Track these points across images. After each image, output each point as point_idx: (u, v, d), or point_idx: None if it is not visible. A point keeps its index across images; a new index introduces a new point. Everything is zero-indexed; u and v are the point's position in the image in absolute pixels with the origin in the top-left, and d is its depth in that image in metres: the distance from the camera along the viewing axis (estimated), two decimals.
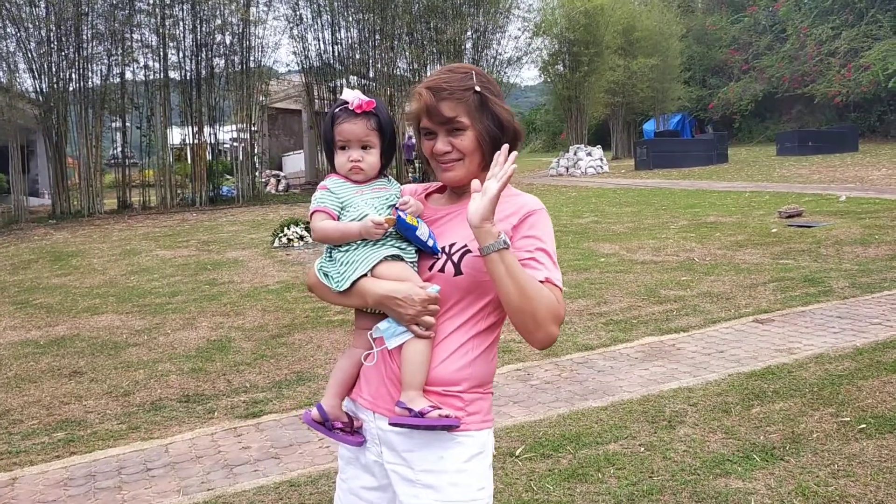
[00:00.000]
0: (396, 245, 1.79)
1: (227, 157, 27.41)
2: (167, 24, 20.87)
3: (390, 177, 1.94)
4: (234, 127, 23.27)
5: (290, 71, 25.15)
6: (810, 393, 4.37)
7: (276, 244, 12.06)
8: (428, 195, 2.03)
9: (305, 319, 7.00)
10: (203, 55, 21.38)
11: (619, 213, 13.91)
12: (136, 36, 20.92)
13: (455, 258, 1.77)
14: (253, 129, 22.91)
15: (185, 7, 21.05)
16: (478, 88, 1.77)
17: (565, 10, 27.93)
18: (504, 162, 1.66)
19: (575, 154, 26.80)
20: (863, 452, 3.58)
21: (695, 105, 39.22)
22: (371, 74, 23.70)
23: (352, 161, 1.83)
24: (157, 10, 20.71)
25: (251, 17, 21.52)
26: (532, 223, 1.78)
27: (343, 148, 1.84)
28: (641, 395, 4.59)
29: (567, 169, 26.38)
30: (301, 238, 12.17)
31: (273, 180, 25.96)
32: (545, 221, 1.81)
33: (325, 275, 1.84)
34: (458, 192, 1.90)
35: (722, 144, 26.81)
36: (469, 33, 23.89)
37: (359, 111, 1.82)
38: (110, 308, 8.08)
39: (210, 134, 22.34)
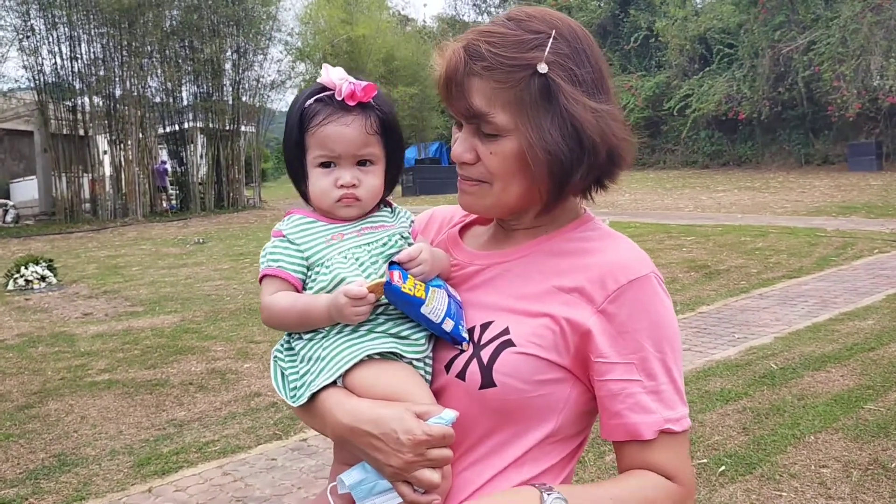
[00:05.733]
0: (394, 330, 1.05)
1: None
2: None
3: (395, 205, 1.21)
4: None
5: (18, 87, 22.20)
6: None
7: (10, 287, 10.20)
8: (467, 226, 1.24)
9: (61, 382, 5.74)
10: None
11: None
12: None
13: (485, 354, 1.00)
14: None
15: None
16: (542, 68, 0.98)
17: (328, 35, 27.58)
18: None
19: None
20: (732, 500, 3.38)
21: (451, 133, 40.77)
22: (118, 94, 21.61)
23: (342, 187, 1.09)
24: None
25: None
26: (633, 307, 1.00)
27: (325, 165, 1.10)
28: None
29: None
30: (43, 279, 10.43)
31: None
32: (656, 299, 1.02)
33: (282, 374, 1.09)
34: (510, 225, 1.14)
35: None
36: (229, 53, 22.66)
37: (352, 102, 1.08)
38: None
39: None
